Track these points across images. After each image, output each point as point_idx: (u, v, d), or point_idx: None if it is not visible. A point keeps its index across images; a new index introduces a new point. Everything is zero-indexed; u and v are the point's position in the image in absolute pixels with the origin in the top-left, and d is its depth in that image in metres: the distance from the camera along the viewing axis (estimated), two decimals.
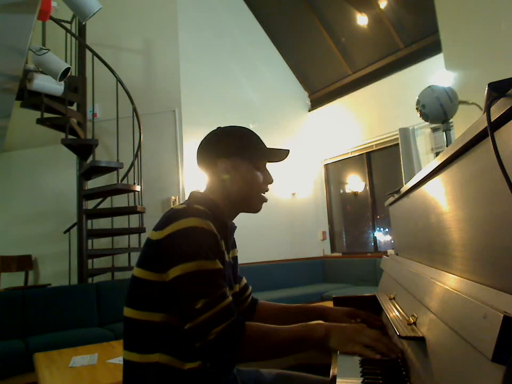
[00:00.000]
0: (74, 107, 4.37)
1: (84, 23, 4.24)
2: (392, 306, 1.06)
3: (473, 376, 0.53)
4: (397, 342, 0.95)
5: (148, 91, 4.97)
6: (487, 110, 0.55)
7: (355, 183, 5.64)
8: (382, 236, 5.35)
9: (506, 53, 2.79)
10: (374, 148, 5.28)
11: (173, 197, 4.85)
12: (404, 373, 0.82)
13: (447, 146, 1.61)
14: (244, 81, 5.75)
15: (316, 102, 6.20)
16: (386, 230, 5.26)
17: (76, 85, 4.26)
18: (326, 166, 6.09)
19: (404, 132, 2.50)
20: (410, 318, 0.84)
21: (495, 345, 0.46)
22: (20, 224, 4.82)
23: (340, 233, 6.00)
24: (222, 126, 1.14)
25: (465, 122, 2.64)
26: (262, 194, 1.11)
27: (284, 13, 5.90)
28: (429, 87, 2.15)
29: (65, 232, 4.49)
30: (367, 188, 5.46)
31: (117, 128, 4.15)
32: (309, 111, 6.27)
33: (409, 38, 4.80)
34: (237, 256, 1.20)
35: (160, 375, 0.92)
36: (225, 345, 0.87)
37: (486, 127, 0.55)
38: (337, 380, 0.80)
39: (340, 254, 5.83)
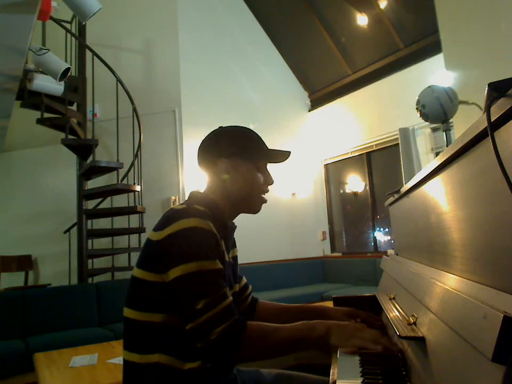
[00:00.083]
0: (74, 107, 4.37)
1: (84, 23, 4.25)
2: (392, 306, 1.06)
3: (473, 376, 0.53)
4: (397, 342, 0.95)
5: (148, 91, 4.97)
6: (487, 110, 0.55)
7: (355, 183, 5.64)
8: (382, 236, 5.35)
9: (506, 53, 2.79)
10: (374, 148, 5.28)
11: (173, 197, 4.85)
12: (404, 373, 0.82)
13: (447, 146, 1.61)
14: (244, 81, 5.75)
15: (316, 102, 6.20)
16: (386, 230, 5.26)
17: (76, 85, 4.26)
18: (326, 166, 6.09)
19: (404, 132, 2.50)
20: (410, 318, 0.84)
21: (495, 345, 0.46)
22: (20, 224, 4.82)
23: (340, 233, 6.00)
24: (223, 126, 1.14)
25: (465, 122, 2.64)
26: (262, 195, 1.11)
27: (284, 13, 5.90)
28: (429, 87, 2.15)
29: (65, 232, 4.49)
30: (367, 187, 5.46)
31: (117, 128, 4.15)
32: (309, 111, 6.27)
33: (409, 38, 4.80)
34: (237, 256, 1.20)
35: (160, 375, 0.92)
36: (226, 345, 0.87)
37: (486, 127, 0.55)
38: (337, 380, 0.80)
39: (340, 254, 5.83)
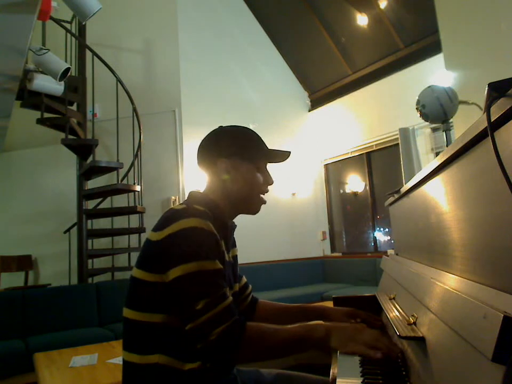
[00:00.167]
0: (74, 107, 4.37)
1: (84, 23, 4.24)
2: (392, 306, 1.06)
3: (473, 376, 0.53)
4: (397, 342, 0.95)
5: (148, 91, 4.97)
6: (487, 110, 0.55)
7: (355, 183, 5.64)
8: (382, 236, 5.35)
9: (506, 53, 2.79)
10: (374, 148, 5.28)
11: (173, 197, 4.85)
12: (404, 373, 0.82)
13: (447, 146, 1.61)
14: (244, 81, 5.75)
15: (316, 102, 6.20)
16: (386, 230, 5.26)
17: (76, 85, 4.26)
18: (326, 166, 6.09)
19: (404, 132, 2.50)
20: (410, 318, 0.84)
21: (495, 345, 0.46)
22: (20, 224, 4.82)
23: (340, 233, 6.00)
24: (223, 126, 1.14)
25: (465, 122, 2.64)
26: (262, 195, 1.11)
27: (284, 13, 5.90)
28: (429, 87, 2.15)
29: (65, 232, 4.49)
30: (367, 187, 5.46)
31: (117, 128, 4.15)
32: (309, 111, 6.27)
33: (409, 38, 4.80)
34: (236, 255, 1.20)
35: (160, 376, 0.92)
36: (226, 345, 0.87)
37: (486, 127, 0.55)
38: (337, 380, 0.80)
39: (340, 254, 5.83)
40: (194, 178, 4.85)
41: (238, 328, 0.88)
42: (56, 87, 3.49)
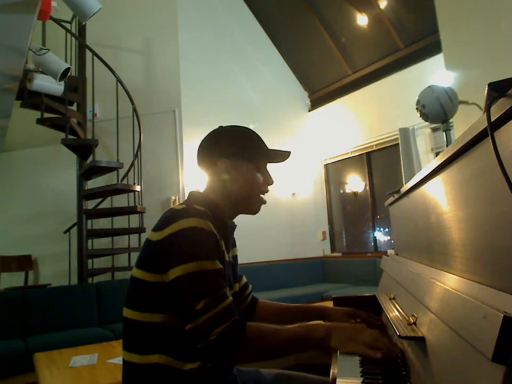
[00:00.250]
0: (74, 107, 4.37)
1: (84, 23, 4.25)
2: (392, 306, 1.06)
3: (473, 376, 0.53)
4: (397, 342, 0.95)
5: (148, 91, 4.97)
6: (487, 110, 0.55)
7: (355, 183, 5.64)
8: (382, 236, 5.35)
9: (506, 53, 2.79)
10: (374, 148, 5.28)
11: (173, 197, 4.85)
12: (404, 373, 0.82)
13: (447, 146, 1.61)
14: (244, 81, 5.75)
15: (316, 102, 6.20)
16: (386, 230, 5.26)
17: (76, 85, 4.26)
18: (326, 166, 6.09)
19: (404, 132, 2.50)
20: (410, 318, 0.84)
21: (495, 345, 0.46)
22: (20, 224, 4.82)
23: (340, 233, 6.00)
24: (223, 125, 1.14)
25: (465, 122, 2.64)
26: (262, 196, 1.11)
27: (284, 13, 5.90)
28: (429, 87, 2.15)
29: (65, 232, 4.49)
30: (367, 188, 5.46)
31: (117, 128, 4.15)
32: (309, 111, 6.27)
33: (409, 38, 4.80)
34: (236, 255, 1.20)
35: (160, 376, 0.92)
36: (226, 345, 0.87)
37: (486, 127, 0.55)
38: (337, 379, 0.80)
39: (340, 254, 5.83)
40: (194, 178, 4.85)
41: (238, 328, 0.88)
42: (56, 87, 3.49)
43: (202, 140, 1.12)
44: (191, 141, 4.83)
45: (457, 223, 0.76)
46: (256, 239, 5.12)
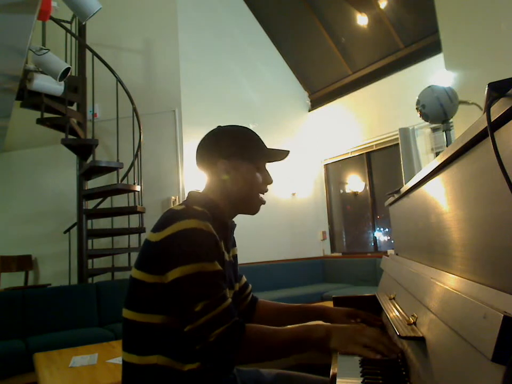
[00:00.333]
0: (74, 107, 4.37)
1: (84, 23, 4.25)
2: (392, 306, 1.06)
3: (473, 376, 0.53)
4: (397, 342, 0.95)
5: (148, 91, 4.97)
6: (487, 110, 0.55)
7: (355, 183, 5.64)
8: (382, 236, 5.35)
9: (506, 53, 2.79)
10: (374, 148, 5.28)
11: (173, 197, 4.85)
12: (404, 373, 0.82)
13: (447, 146, 1.61)
14: (244, 81, 5.75)
15: (316, 102, 6.20)
16: (386, 230, 5.26)
17: (76, 85, 4.26)
18: (326, 166, 6.09)
19: (404, 132, 2.50)
20: (410, 318, 0.84)
21: (495, 345, 0.46)
22: (20, 224, 4.82)
23: (340, 233, 6.00)
24: (221, 125, 1.14)
25: (465, 122, 2.64)
26: (261, 196, 1.11)
27: (284, 13, 5.90)
28: (429, 87, 2.15)
29: (65, 232, 4.49)
30: (367, 188, 5.46)
31: (117, 128, 4.15)
32: (309, 111, 6.27)
33: (409, 38, 4.80)
34: (236, 255, 1.20)
35: (159, 376, 0.92)
36: (225, 347, 0.87)
37: (486, 127, 0.55)
38: (337, 379, 0.80)
39: (340, 254, 5.83)
40: (194, 178, 4.85)
41: (238, 330, 0.88)
42: (56, 87, 3.49)
43: (201, 140, 1.12)
44: (191, 141, 4.83)
45: (457, 223, 0.76)
46: (256, 239, 5.12)
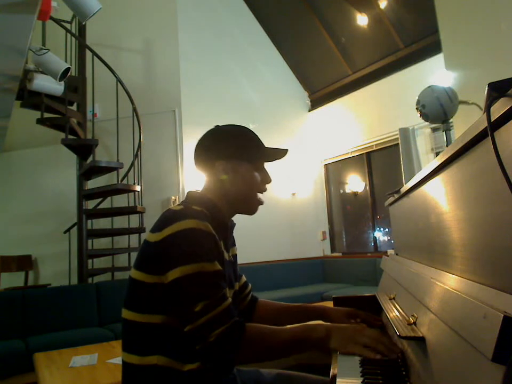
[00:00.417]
0: (74, 107, 4.37)
1: (84, 23, 4.24)
2: (392, 306, 1.06)
3: (473, 376, 0.53)
4: (397, 342, 0.95)
5: (148, 91, 4.97)
6: (487, 110, 0.55)
7: (355, 183, 5.64)
8: (382, 236, 5.35)
9: (506, 53, 2.79)
10: (374, 148, 5.28)
11: (173, 197, 4.85)
12: (404, 373, 0.82)
13: (447, 146, 1.61)
14: (244, 81, 5.75)
15: (316, 102, 6.20)
16: (386, 230, 5.26)
17: (76, 85, 4.26)
18: (326, 166, 6.09)
19: (404, 132, 2.50)
20: (410, 318, 0.84)
21: (495, 345, 0.46)
22: (20, 224, 4.82)
23: (340, 233, 6.00)
24: (219, 125, 1.13)
25: (465, 122, 2.64)
26: (259, 196, 1.10)
27: (284, 13, 5.90)
28: (429, 87, 2.15)
29: (65, 232, 4.49)
30: (367, 188, 5.46)
31: (117, 128, 4.15)
32: (309, 111, 6.27)
33: (409, 38, 4.80)
34: (236, 254, 1.20)
35: (159, 377, 0.92)
36: (225, 347, 0.87)
37: (486, 127, 0.55)
38: (337, 379, 0.80)
39: (340, 254, 5.83)
40: (194, 178, 4.85)
41: (237, 329, 0.88)
42: (56, 87, 3.48)
43: (199, 141, 1.11)
44: (191, 141, 4.81)
45: (457, 223, 0.76)
46: (256, 239, 5.12)
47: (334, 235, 6.02)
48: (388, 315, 0.99)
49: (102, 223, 4.48)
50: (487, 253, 0.62)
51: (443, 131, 2.20)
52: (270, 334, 0.94)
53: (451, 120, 2.19)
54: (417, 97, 2.18)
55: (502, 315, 0.46)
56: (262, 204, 1.11)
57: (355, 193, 5.63)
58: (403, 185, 1.30)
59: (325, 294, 4.74)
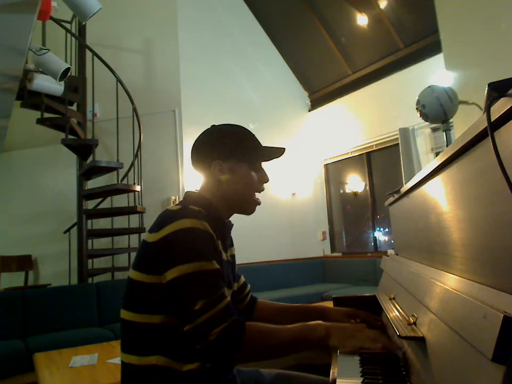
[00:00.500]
0: (74, 107, 4.37)
1: (83, 23, 4.25)
2: (392, 306, 1.06)
3: (473, 376, 0.53)
4: (396, 341, 0.95)
5: (148, 91, 4.98)
6: (487, 110, 0.55)
7: (355, 183, 5.64)
8: (382, 236, 5.35)
9: (506, 53, 2.79)
10: (374, 148, 5.28)
11: (173, 197, 4.85)
12: (404, 373, 0.82)
13: (447, 146, 1.61)
14: (244, 81, 5.75)
15: (316, 102, 6.20)
16: (386, 230, 5.26)
17: (76, 85, 4.26)
18: (326, 166, 6.09)
19: (404, 132, 2.50)
20: (410, 318, 0.84)
21: (495, 345, 0.46)
22: (20, 224, 4.82)
23: (340, 233, 6.00)
24: (216, 125, 1.13)
25: (465, 122, 2.64)
26: (257, 197, 1.10)
27: (284, 13, 5.90)
28: (429, 87, 2.15)
29: (65, 232, 4.49)
30: (367, 188, 5.46)
31: (117, 128, 4.15)
32: (309, 111, 6.27)
33: (409, 38, 4.80)
34: (234, 255, 1.20)
35: (158, 377, 0.92)
36: (225, 345, 0.87)
37: (486, 127, 0.55)
38: (337, 380, 0.80)
39: (340, 254, 5.82)
40: (194, 178, 4.85)
41: (237, 328, 0.88)
42: (56, 87, 3.49)
43: (196, 141, 1.11)
44: (191, 141, 4.67)
45: (457, 223, 0.76)
46: (256, 239, 5.12)
47: (334, 235, 6.02)
48: (388, 315, 0.99)
49: (102, 223, 4.48)
50: (487, 253, 0.62)
51: (443, 131, 2.21)
52: (270, 332, 0.94)
53: (451, 120, 2.20)
54: (417, 97, 2.18)
55: (502, 315, 0.46)
56: (259, 204, 1.11)
57: (355, 193, 5.63)
58: (403, 185, 1.30)
59: (325, 294, 4.74)
